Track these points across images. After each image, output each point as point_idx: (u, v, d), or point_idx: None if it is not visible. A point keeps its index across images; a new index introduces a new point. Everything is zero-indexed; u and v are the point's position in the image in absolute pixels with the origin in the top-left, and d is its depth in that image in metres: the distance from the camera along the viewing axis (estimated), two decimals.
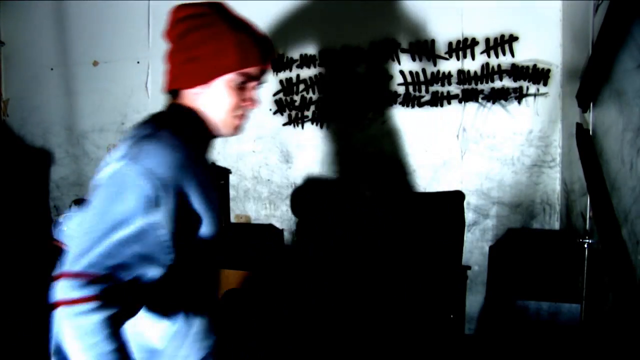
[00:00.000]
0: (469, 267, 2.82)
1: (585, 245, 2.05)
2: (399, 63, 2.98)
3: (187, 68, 1.06)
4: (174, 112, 1.10)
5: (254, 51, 1.07)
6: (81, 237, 0.92)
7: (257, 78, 1.12)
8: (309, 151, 3.19)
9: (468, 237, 2.91)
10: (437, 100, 2.94)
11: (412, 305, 2.54)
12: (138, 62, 3.46)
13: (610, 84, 1.76)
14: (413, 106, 2.98)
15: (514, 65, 2.81)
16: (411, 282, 2.60)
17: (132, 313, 1.00)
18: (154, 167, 0.93)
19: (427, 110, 2.97)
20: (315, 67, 3.12)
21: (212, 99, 1.08)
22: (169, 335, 1.08)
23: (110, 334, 0.89)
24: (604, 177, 1.78)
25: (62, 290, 0.90)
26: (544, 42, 2.77)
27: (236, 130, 1.15)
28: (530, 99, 2.82)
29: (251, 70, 1.09)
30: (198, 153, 1.09)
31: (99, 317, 0.88)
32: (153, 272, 0.97)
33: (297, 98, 3.18)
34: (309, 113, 3.16)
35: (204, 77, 1.06)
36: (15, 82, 3.77)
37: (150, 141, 0.97)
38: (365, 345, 2.57)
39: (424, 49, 2.93)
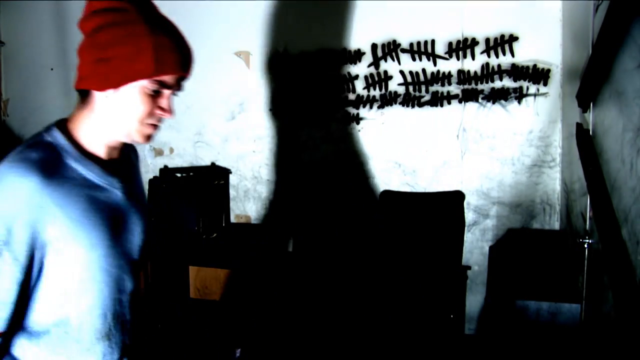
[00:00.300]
0: (469, 267, 2.82)
1: (585, 245, 2.05)
2: (399, 63, 2.98)
3: (97, 69, 0.95)
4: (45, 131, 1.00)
5: (172, 57, 0.97)
6: None
7: (174, 86, 1.03)
8: (308, 151, 3.19)
9: (468, 237, 2.91)
10: (437, 100, 2.94)
11: (412, 305, 2.54)
12: None
13: (610, 84, 1.76)
14: (413, 106, 2.98)
15: (514, 65, 2.81)
16: (411, 282, 2.60)
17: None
18: None
19: (427, 110, 2.97)
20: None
21: (122, 105, 0.97)
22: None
23: None
24: (604, 177, 1.77)
25: None
26: (544, 42, 2.77)
27: (147, 139, 1.03)
28: (530, 99, 2.82)
29: (167, 78, 0.99)
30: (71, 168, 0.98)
31: None
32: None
33: None
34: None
35: (115, 82, 0.95)
36: (15, 82, 3.77)
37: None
38: (366, 345, 2.57)
39: (423, 48, 2.93)
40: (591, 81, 1.94)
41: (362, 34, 3.02)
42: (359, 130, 3.09)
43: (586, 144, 2.00)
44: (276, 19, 3.15)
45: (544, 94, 2.80)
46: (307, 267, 3.13)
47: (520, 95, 2.82)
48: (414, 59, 2.96)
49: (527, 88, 2.81)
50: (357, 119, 3.09)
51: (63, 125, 1.01)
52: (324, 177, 3.18)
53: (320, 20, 3.07)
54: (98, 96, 0.98)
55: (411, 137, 3.01)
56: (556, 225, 2.82)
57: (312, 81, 3.12)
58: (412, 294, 2.57)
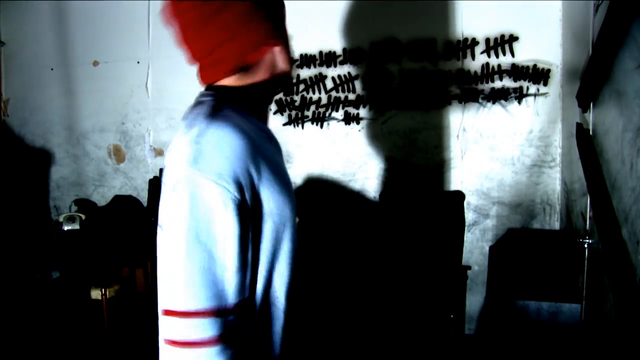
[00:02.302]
0: (469, 267, 2.82)
1: (585, 245, 2.05)
2: (399, 63, 2.98)
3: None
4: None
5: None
6: (178, 265, 0.80)
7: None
8: (309, 151, 3.19)
9: (468, 237, 2.91)
10: (437, 100, 2.94)
11: (412, 305, 2.54)
12: (138, 62, 3.46)
13: (611, 84, 1.76)
14: (413, 107, 2.98)
15: (514, 65, 2.81)
16: (411, 282, 2.60)
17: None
18: (224, 171, 0.81)
19: (427, 110, 2.97)
20: (315, 67, 3.12)
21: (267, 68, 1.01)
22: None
23: None
24: (604, 177, 1.77)
25: (177, 330, 0.79)
26: (544, 42, 2.77)
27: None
28: (530, 99, 2.82)
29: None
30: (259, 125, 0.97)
31: (223, 359, 0.79)
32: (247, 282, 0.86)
33: (297, 98, 3.18)
34: (309, 113, 3.16)
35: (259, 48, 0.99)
36: (15, 82, 3.77)
37: (210, 131, 0.84)
38: (365, 345, 2.57)
39: (423, 48, 2.93)
40: (591, 81, 1.94)
41: (361, 34, 3.03)
42: (359, 131, 3.09)
43: (586, 144, 2.00)
44: None
45: (544, 94, 2.80)
46: (307, 267, 3.12)
47: (520, 95, 2.82)
48: (413, 59, 2.96)
49: (527, 88, 2.81)
50: (357, 119, 3.09)
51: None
52: (323, 177, 3.18)
53: (319, 23, 3.07)
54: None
55: (411, 137, 3.01)
56: (556, 225, 2.82)
57: (312, 81, 3.13)
58: (412, 293, 2.57)
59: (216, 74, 0.96)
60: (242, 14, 0.91)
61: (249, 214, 0.84)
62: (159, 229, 0.86)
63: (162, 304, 0.82)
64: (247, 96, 0.97)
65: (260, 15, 0.94)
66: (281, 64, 1.00)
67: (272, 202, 0.89)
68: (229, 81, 0.97)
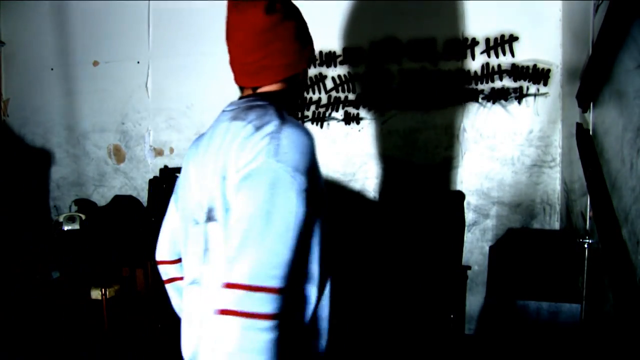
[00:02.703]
0: (469, 267, 2.82)
1: (585, 245, 2.05)
2: (399, 63, 2.98)
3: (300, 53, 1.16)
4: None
5: None
6: (253, 244, 0.89)
7: None
8: None
9: (468, 237, 2.91)
10: (437, 100, 2.94)
11: (412, 305, 2.54)
12: (138, 62, 3.46)
13: (611, 84, 1.76)
14: (413, 107, 2.98)
15: (514, 65, 2.81)
16: (411, 282, 2.60)
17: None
18: (297, 164, 0.93)
19: (427, 110, 2.97)
20: (315, 67, 3.12)
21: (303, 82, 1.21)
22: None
23: (277, 354, 0.87)
24: (604, 177, 1.77)
25: (239, 301, 0.87)
26: (544, 42, 2.77)
27: None
28: (530, 99, 2.82)
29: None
30: None
31: (272, 336, 0.87)
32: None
33: None
34: (309, 113, 3.16)
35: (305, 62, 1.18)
36: (15, 82, 3.77)
37: (284, 132, 0.97)
38: (365, 345, 2.57)
39: (424, 48, 2.93)
40: (591, 81, 1.94)
41: (361, 33, 3.03)
42: (359, 131, 3.09)
43: (586, 144, 2.00)
44: None
45: (544, 94, 2.80)
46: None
47: (520, 95, 2.82)
48: (413, 59, 2.96)
49: (527, 88, 2.81)
50: (357, 119, 3.09)
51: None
52: (323, 177, 3.18)
53: (318, 23, 3.07)
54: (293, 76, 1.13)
55: (411, 137, 3.01)
56: (556, 225, 2.82)
57: (312, 81, 3.13)
58: (412, 293, 2.57)
59: (262, 79, 1.09)
60: (292, 32, 1.09)
61: (311, 204, 0.95)
62: (213, 223, 0.99)
63: (228, 278, 0.90)
64: (288, 102, 1.12)
65: (302, 38, 1.13)
66: (305, 81, 1.19)
67: (317, 193, 1.00)
68: (270, 88, 1.10)
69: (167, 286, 1.31)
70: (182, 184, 1.16)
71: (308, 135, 0.98)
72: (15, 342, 2.77)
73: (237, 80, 1.13)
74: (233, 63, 1.11)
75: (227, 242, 0.94)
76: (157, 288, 2.87)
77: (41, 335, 2.79)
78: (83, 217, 3.20)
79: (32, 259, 3.11)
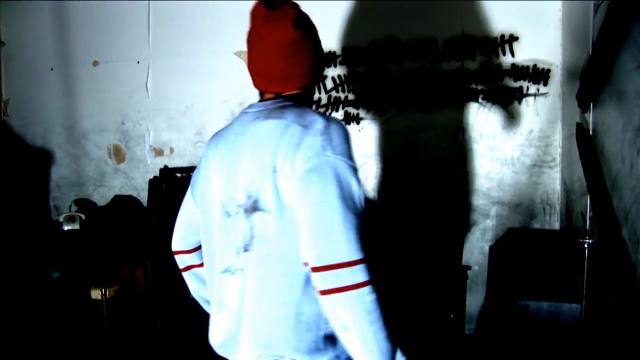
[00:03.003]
0: (469, 267, 2.82)
1: (585, 245, 2.05)
2: (399, 63, 2.98)
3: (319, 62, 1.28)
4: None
5: None
6: (339, 226, 1.04)
7: None
8: None
9: (468, 237, 2.91)
10: (437, 100, 2.94)
11: (412, 305, 2.54)
12: (138, 62, 3.46)
13: (611, 84, 1.76)
14: (413, 106, 2.98)
15: (513, 65, 2.81)
16: (411, 282, 2.60)
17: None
18: (348, 153, 1.10)
19: (427, 111, 2.97)
20: None
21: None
22: None
23: (380, 307, 1.05)
24: (604, 177, 1.77)
25: (343, 277, 1.02)
26: (544, 42, 2.77)
27: None
28: (530, 99, 2.82)
29: None
30: None
31: (375, 295, 1.04)
32: None
33: None
34: None
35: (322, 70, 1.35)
36: (15, 82, 3.77)
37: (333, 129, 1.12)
38: None
39: (424, 48, 2.93)
40: (591, 81, 1.94)
41: (361, 33, 3.03)
42: (359, 131, 3.09)
43: (586, 144, 2.00)
44: None
45: (544, 94, 2.80)
46: None
47: (520, 95, 2.82)
48: (413, 59, 2.96)
49: (527, 88, 2.81)
50: (357, 119, 3.09)
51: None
52: None
53: (318, 23, 3.07)
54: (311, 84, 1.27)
55: (411, 137, 3.01)
56: (556, 225, 2.82)
57: None
58: (413, 293, 2.57)
59: (288, 86, 1.22)
60: (313, 44, 1.22)
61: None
62: (260, 213, 1.10)
63: (322, 261, 1.04)
64: (306, 103, 1.25)
65: (319, 49, 1.26)
66: (317, 85, 1.34)
67: None
68: (292, 91, 1.23)
69: (185, 274, 1.42)
70: (201, 179, 1.25)
71: (346, 128, 1.15)
72: (15, 342, 2.77)
73: (261, 85, 1.24)
74: (257, 69, 1.21)
75: (305, 229, 1.06)
76: (157, 288, 2.87)
77: (41, 335, 2.79)
78: (83, 217, 3.20)
79: (32, 259, 3.11)
